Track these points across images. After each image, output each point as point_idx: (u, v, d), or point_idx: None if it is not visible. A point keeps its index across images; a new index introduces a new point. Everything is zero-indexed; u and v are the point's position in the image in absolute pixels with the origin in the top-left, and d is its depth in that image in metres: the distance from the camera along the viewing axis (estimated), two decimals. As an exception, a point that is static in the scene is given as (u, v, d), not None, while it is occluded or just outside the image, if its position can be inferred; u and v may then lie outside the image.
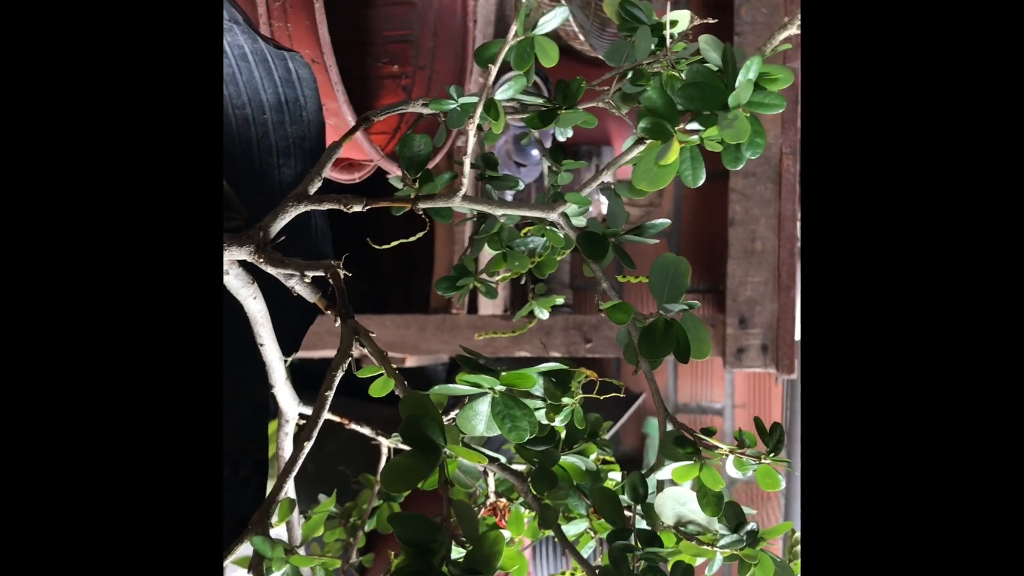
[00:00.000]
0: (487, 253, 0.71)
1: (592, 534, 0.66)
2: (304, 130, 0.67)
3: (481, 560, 0.38)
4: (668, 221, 0.56)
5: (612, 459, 0.72)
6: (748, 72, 0.46)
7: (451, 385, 0.42)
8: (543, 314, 0.77)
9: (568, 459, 0.63)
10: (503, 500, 0.66)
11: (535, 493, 0.58)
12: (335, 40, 0.91)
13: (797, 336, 1.33)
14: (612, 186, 0.57)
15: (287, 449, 0.64)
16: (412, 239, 0.67)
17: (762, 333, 1.28)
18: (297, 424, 0.63)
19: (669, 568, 0.57)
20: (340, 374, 0.46)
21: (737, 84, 0.47)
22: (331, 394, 0.45)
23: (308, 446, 0.44)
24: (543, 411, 0.54)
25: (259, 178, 0.68)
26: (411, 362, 1.39)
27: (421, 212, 0.65)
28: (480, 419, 0.43)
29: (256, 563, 0.40)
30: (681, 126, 0.47)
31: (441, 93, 1.20)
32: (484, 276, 0.70)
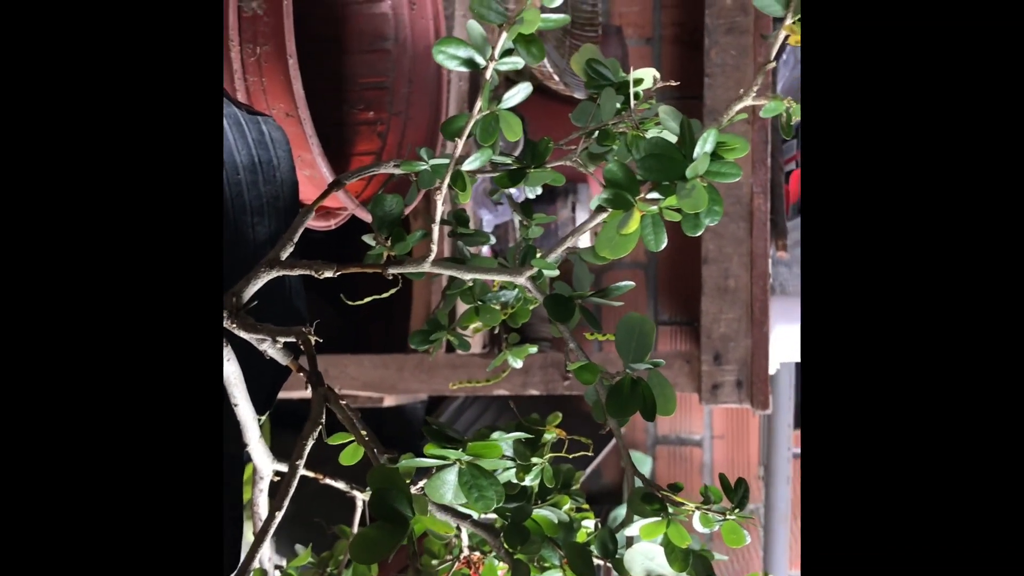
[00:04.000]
0: (463, 304, 0.72)
1: (565, 585, 0.67)
2: (278, 189, 0.68)
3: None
4: (632, 284, 0.57)
5: (586, 507, 0.73)
6: (705, 144, 0.47)
7: (418, 458, 0.44)
8: (517, 363, 0.78)
9: (540, 512, 0.64)
10: (476, 553, 0.67)
11: (508, 548, 0.59)
12: (310, 87, 0.92)
13: (772, 371, 1.35)
14: (577, 252, 0.58)
15: (262, 506, 0.64)
16: (385, 295, 0.68)
17: (736, 369, 1.29)
18: (272, 480, 0.64)
19: None
20: (311, 443, 0.47)
21: (695, 155, 0.48)
22: (302, 462, 0.46)
23: (279, 515, 0.45)
24: (513, 471, 0.55)
25: (233, 236, 0.69)
26: (389, 401, 1.40)
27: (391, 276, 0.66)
28: (448, 488, 0.44)
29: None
30: (641, 195, 0.49)
31: (415, 140, 1.21)
32: (458, 329, 0.72)
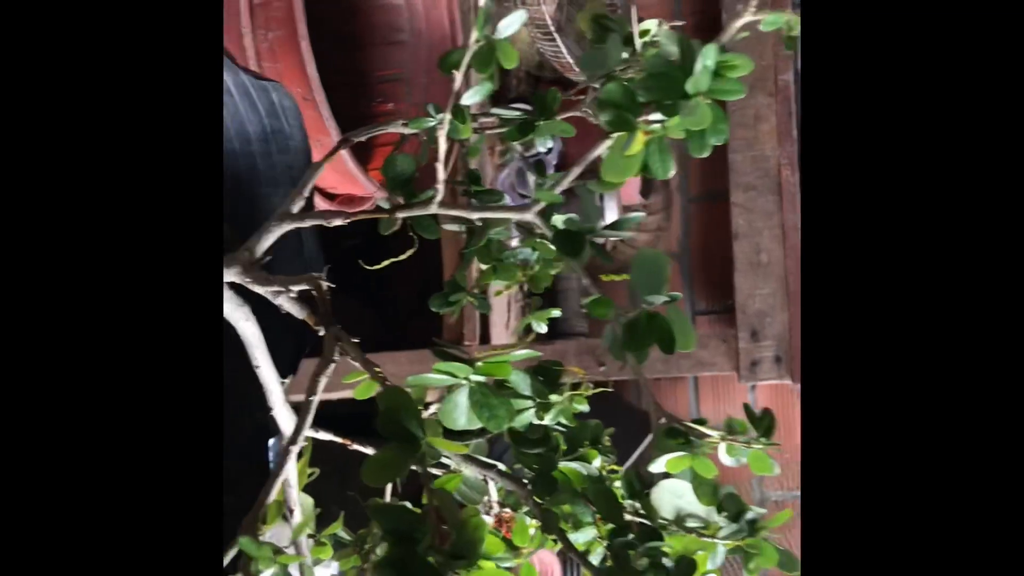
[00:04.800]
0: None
1: (601, 541, 0.66)
2: (291, 159, 0.69)
3: (464, 546, 0.38)
4: (642, 214, 0.56)
5: (618, 467, 0.72)
6: (706, 59, 0.47)
7: (426, 375, 0.43)
8: (541, 327, 0.77)
9: (569, 464, 0.63)
10: (507, 511, 0.66)
11: (536, 499, 0.58)
12: (327, 82, 0.93)
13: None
14: (584, 183, 0.57)
15: (291, 472, 0.64)
16: (402, 257, 0.68)
17: (774, 344, 1.27)
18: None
19: (673, 563, 0.57)
20: (324, 380, 0.47)
21: (695, 72, 0.47)
22: (316, 399, 0.46)
23: (295, 449, 0.44)
24: (533, 410, 0.54)
25: (250, 209, 0.69)
26: (430, 396, 1.39)
27: (409, 231, 0.66)
28: (460, 410, 0.44)
29: (244, 564, 0.41)
30: (644, 117, 0.48)
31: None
32: (476, 291, 0.71)
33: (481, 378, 0.44)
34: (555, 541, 0.66)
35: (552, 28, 1.56)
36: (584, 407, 0.68)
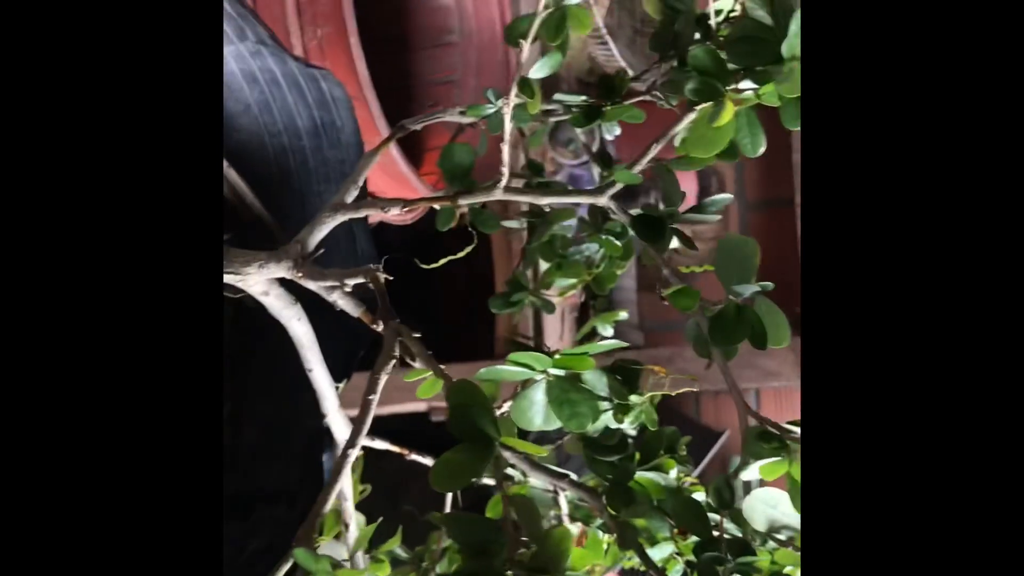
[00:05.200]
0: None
1: (679, 557, 0.61)
2: (343, 153, 0.65)
3: (547, 559, 0.34)
4: (731, 196, 0.52)
5: (696, 480, 0.67)
6: (800, 21, 0.42)
7: (500, 367, 0.39)
8: (607, 330, 0.72)
9: (645, 475, 0.58)
10: (580, 525, 0.61)
11: (611, 511, 0.53)
12: (379, 87, 0.90)
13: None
14: (664, 162, 0.53)
15: (346, 483, 0.60)
16: (460, 254, 0.64)
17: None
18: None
19: None
20: (384, 377, 0.43)
21: (789, 34, 0.43)
22: (375, 398, 0.42)
23: (353, 453, 0.40)
24: (610, 413, 0.49)
25: (300, 206, 0.66)
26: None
27: (468, 227, 0.62)
28: (537, 409, 0.39)
29: (301, 579, 0.36)
30: (733, 86, 0.44)
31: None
32: (542, 291, 0.67)
33: (561, 372, 0.39)
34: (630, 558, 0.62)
35: (604, 32, 1.53)
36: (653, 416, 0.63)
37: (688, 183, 1.55)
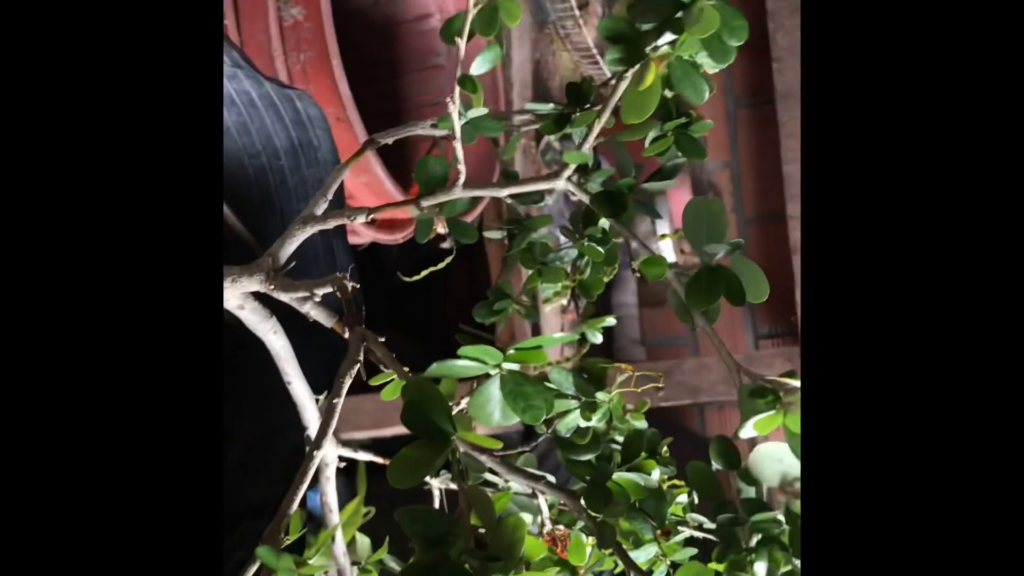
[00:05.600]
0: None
1: (663, 558, 0.61)
2: (321, 171, 0.66)
3: (501, 548, 0.34)
4: (684, 160, 0.52)
5: (679, 482, 0.67)
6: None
7: (452, 363, 0.39)
8: (595, 337, 0.73)
9: (624, 475, 0.59)
10: (561, 527, 0.61)
11: (590, 512, 0.54)
12: (368, 109, 0.91)
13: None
14: (615, 136, 0.53)
15: (330, 494, 0.61)
16: (440, 266, 0.65)
17: (843, 359, 1.21)
18: (337, 467, 0.61)
19: (787, 539, 0.51)
20: (348, 381, 0.44)
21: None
22: (340, 402, 0.43)
23: (318, 455, 0.41)
24: (578, 412, 0.50)
25: (281, 224, 0.67)
26: (482, 430, 1.35)
27: (448, 243, 0.63)
28: (494, 404, 0.40)
29: (264, 577, 0.37)
30: (652, 44, 0.44)
31: (477, 152, 1.19)
32: (523, 298, 0.68)
33: (514, 366, 0.40)
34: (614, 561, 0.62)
35: (595, 52, 1.54)
36: (642, 424, 0.64)
37: (685, 198, 1.56)
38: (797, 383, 0.46)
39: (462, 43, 0.46)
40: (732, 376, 0.46)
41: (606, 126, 0.63)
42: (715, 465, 0.52)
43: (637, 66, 0.44)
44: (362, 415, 1.26)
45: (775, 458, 0.50)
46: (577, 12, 1.48)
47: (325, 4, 0.83)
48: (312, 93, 0.85)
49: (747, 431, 0.47)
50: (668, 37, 0.43)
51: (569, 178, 0.50)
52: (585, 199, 0.51)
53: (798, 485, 0.52)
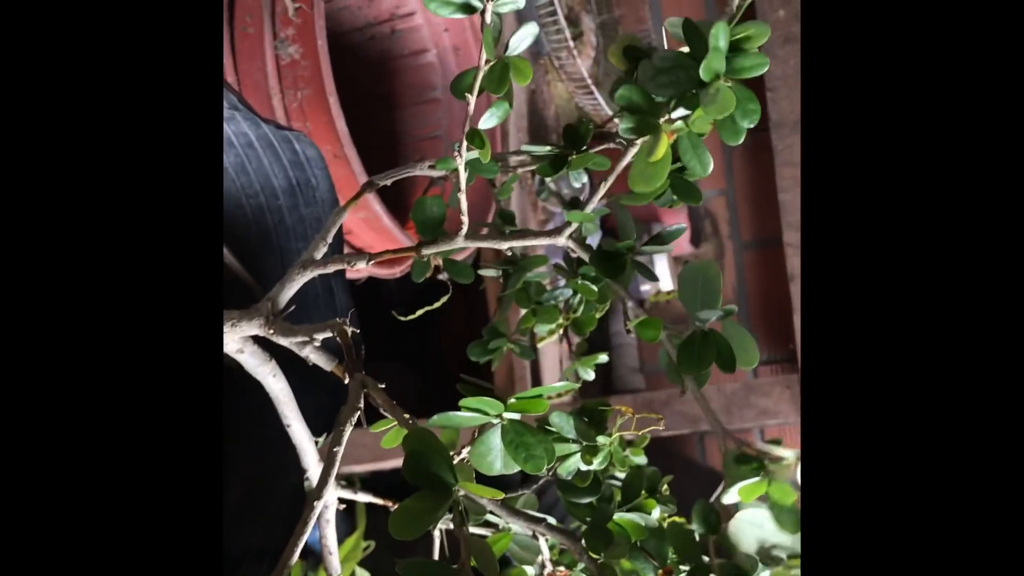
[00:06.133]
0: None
1: (664, 598, 0.61)
2: (319, 211, 0.67)
3: (504, 601, 0.34)
4: (684, 226, 0.53)
5: (680, 519, 0.67)
6: (717, 40, 0.43)
7: (453, 413, 0.39)
8: (588, 374, 0.73)
9: (625, 516, 0.59)
10: (562, 569, 0.61)
11: (591, 554, 0.54)
12: (365, 144, 0.92)
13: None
14: (617, 197, 0.54)
15: (330, 537, 0.61)
16: (436, 305, 0.65)
17: (842, 387, 1.21)
18: (338, 509, 0.61)
19: None
20: (349, 428, 0.44)
21: (708, 55, 0.44)
22: (340, 450, 0.43)
23: (319, 505, 0.41)
24: (578, 455, 0.50)
25: (280, 265, 0.67)
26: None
27: (444, 278, 0.63)
28: (495, 454, 0.40)
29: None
30: (666, 116, 0.45)
31: (474, 184, 1.20)
32: (518, 336, 0.68)
33: (515, 415, 0.40)
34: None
35: (589, 82, 1.55)
36: (641, 459, 0.64)
37: (680, 222, 1.56)
38: (783, 452, 0.46)
39: (472, 99, 0.47)
40: (718, 440, 0.46)
41: (601, 168, 0.64)
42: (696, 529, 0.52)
43: (648, 137, 0.44)
44: (361, 449, 1.26)
45: (756, 524, 0.50)
46: (572, 43, 1.49)
47: (322, 42, 0.84)
48: (309, 130, 0.85)
49: (731, 497, 0.47)
50: (681, 112, 0.44)
51: (570, 235, 0.51)
52: (585, 257, 0.51)
53: (776, 553, 0.52)
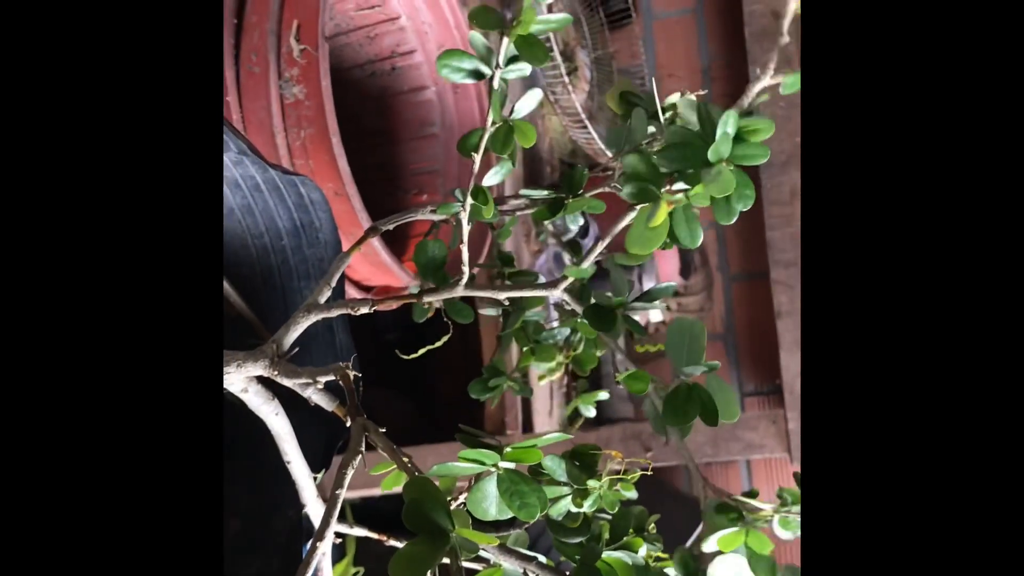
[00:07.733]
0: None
1: (651, 636, 0.63)
2: (322, 252, 0.69)
3: (498, 644, 0.36)
4: (674, 284, 0.55)
5: (665, 555, 0.69)
6: (726, 126, 0.46)
7: (452, 464, 0.41)
8: (589, 411, 0.75)
9: (613, 554, 0.60)
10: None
11: (579, 592, 0.55)
12: (363, 177, 0.94)
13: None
14: (611, 256, 0.56)
15: (327, 571, 0.62)
16: (438, 344, 0.67)
17: (827, 423, 1.23)
18: (334, 543, 0.62)
19: None
20: (351, 472, 0.45)
21: (717, 140, 0.47)
22: (343, 492, 0.44)
23: (322, 546, 0.43)
24: (569, 498, 0.52)
25: (282, 303, 0.69)
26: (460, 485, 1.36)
27: (444, 317, 0.65)
28: (491, 500, 0.42)
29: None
30: (668, 188, 0.47)
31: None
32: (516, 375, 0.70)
33: (510, 465, 0.42)
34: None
35: (583, 116, 1.58)
36: (632, 494, 0.65)
37: (671, 257, 1.59)
38: (764, 505, 0.48)
39: (477, 158, 0.49)
40: (697, 490, 0.48)
41: (596, 211, 0.66)
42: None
43: (649, 204, 0.47)
44: (354, 475, 1.27)
45: (734, 572, 0.52)
46: (566, 78, 1.52)
47: (326, 84, 0.86)
48: (312, 168, 0.88)
49: (710, 546, 0.49)
50: (682, 185, 0.46)
51: (566, 288, 0.53)
52: (579, 310, 0.54)
53: None
